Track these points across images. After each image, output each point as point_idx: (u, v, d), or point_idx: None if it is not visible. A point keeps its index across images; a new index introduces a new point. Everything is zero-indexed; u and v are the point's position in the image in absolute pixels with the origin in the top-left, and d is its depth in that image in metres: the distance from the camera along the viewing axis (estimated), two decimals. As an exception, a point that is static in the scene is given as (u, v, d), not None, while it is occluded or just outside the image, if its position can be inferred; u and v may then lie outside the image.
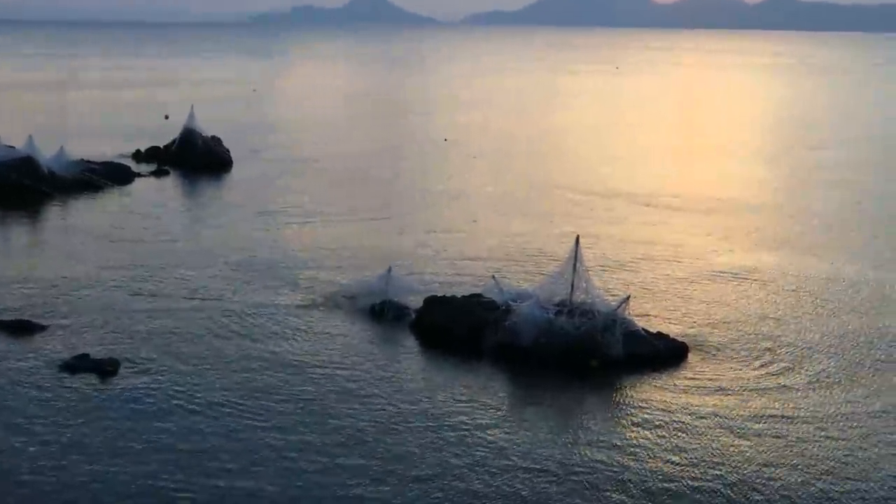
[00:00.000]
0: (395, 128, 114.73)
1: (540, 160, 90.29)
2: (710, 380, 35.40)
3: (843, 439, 30.66)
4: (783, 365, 37.04)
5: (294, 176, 78.31)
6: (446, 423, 30.99)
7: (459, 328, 38.44)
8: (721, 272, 50.84)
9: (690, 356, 37.55)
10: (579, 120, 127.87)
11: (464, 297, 41.68)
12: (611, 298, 39.53)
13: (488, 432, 30.44)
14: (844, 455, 29.51)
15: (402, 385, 34.19)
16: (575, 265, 38.04)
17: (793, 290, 47.62)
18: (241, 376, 34.54)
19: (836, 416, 32.50)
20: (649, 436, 30.49)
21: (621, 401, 33.79)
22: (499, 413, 32.11)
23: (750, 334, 40.68)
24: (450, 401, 32.81)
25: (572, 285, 38.09)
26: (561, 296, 38.29)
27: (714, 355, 37.96)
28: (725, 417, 32.01)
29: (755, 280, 49.50)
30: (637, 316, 39.86)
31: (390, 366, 36.29)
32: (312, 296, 44.38)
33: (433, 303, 41.04)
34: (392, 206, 67.03)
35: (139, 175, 76.40)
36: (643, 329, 37.85)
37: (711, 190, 74.97)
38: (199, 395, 32.79)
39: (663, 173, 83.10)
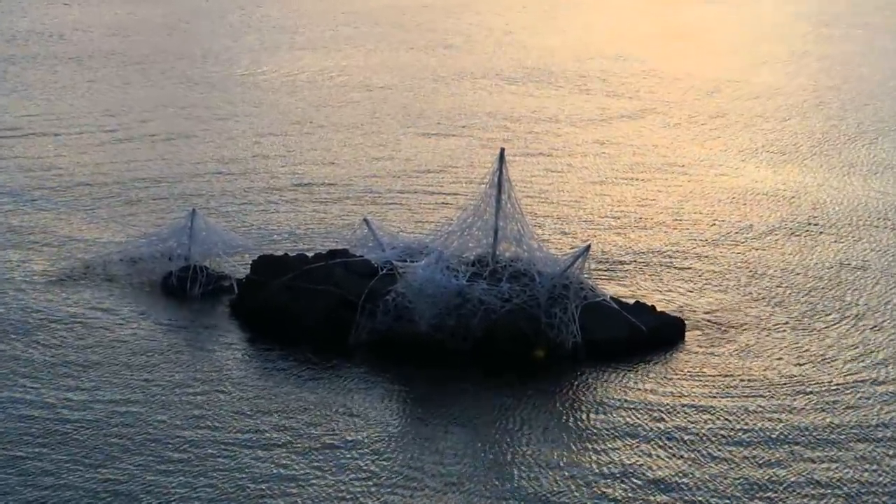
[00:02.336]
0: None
1: (436, 38, 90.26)
2: (720, 375, 35.45)
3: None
4: (820, 349, 37.62)
5: (20, 65, 77.49)
6: (285, 467, 30.26)
7: (311, 309, 37.86)
8: (724, 201, 51.64)
9: (689, 337, 37.78)
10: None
11: (318, 254, 41.19)
12: (559, 252, 39.54)
13: (353, 475, 29.85)
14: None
15: (214, 407, 33.31)
16: (499, 198, 37.49)
17: (827, 234, 48.97)
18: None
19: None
20: (622, 477, 30.18)
21: (574, 419, 33.39)
22: (376, 445, 31.50)
23: (776, 298, 41.23)
24: (295, 431, 32.09)
25: (496, 231, 37.64)
26: (478, 249, 38.05)
27: (726, 335, 38.26)
28: (740, 441, 31.91)
29: (774, 209, 50.62)
30: (602, 278, 39.88)
31: (196, 373, 35.37)
32: (65, 261, 43.57)
33: (267, 267, 40.39)
34: (191, 110, 66.48)
35: None
36: (613, 298, 37.80)
37: (694, 82, 76.89)
38: None
39: (624, 57, 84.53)
